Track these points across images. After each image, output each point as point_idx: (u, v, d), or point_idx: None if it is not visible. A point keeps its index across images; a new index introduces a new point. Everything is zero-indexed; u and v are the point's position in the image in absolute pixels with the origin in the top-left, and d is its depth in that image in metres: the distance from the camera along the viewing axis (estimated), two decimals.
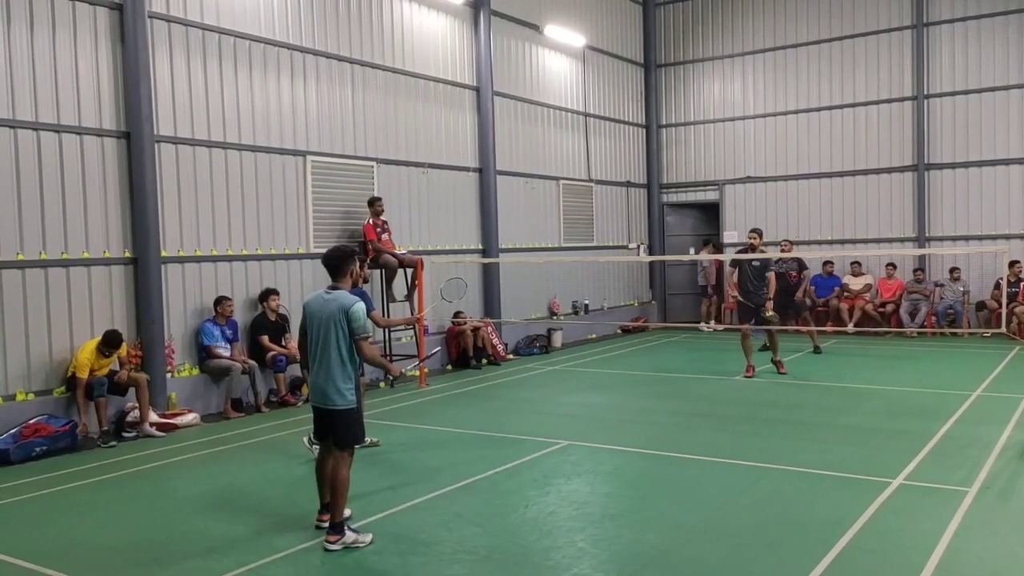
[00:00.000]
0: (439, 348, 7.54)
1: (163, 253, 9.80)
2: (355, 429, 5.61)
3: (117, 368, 9.05)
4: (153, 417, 9.10)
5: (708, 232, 19.20)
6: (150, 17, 9.68)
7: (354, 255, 5.78)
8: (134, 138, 9.52)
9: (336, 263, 5.63)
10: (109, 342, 8.79)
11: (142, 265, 9.58)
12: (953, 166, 16.66)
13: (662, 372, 12.81)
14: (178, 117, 10.07)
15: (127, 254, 9.59)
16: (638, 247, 18.97)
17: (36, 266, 8.81)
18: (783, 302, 12.84)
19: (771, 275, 11.63)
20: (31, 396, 8.69)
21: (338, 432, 5.56)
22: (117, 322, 9.41)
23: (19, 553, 5.48)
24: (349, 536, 5.39)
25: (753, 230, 11.91)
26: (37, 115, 8.83)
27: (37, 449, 8.05)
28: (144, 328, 9.61)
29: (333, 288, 5.57)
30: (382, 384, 11.93)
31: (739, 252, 12.21)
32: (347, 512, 5.54)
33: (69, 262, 9.08)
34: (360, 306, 5.43)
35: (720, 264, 17.63)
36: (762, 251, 11.97)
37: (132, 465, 7.80)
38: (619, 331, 17.67)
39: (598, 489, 6.70)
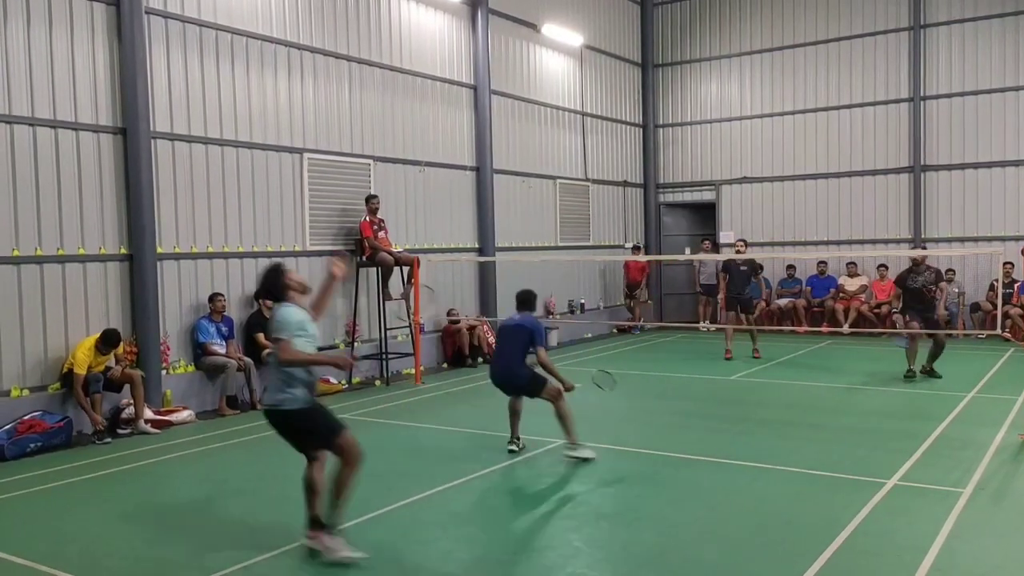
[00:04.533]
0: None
1: (159, 250, 9.78)
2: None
3: (112, 364, 9.03)
4: (148, 414, 9.08)
5: (704, 232, 19.20)
6: (147, 13, 9.65)
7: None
8: (130, 134, 9.49)
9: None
10: (108, 340, 8.76)
11: (138, 262, 9.55)
12: (949, 168, 16.69)
13: (657, 372, 12.82)
14: (175, 113, 10.04)
15: (123, 250, 9.57)
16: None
17: (31, 262, 8.78)
18: (925, 317, 11.11)
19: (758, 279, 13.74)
20: (26, 392, 8.66)
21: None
22: (112, 318, 9.39)
23: (13, 550, 5.46)
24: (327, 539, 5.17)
25: (740, 239, 13.62)
26: (33, 111, 8.80)
27: (32, 445, 8.03)
28: (139, 325, 9.59)
29: None
30: (377, 383, 11.93)
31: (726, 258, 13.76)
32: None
33: (65, 258, 9.06)
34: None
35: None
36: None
37: (127, 462, 7.79)
38: (615, 331, 17.68)
39: (593, 488, 6.70)
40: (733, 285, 13.46)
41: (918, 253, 12.16)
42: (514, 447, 7.70)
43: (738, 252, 13.79)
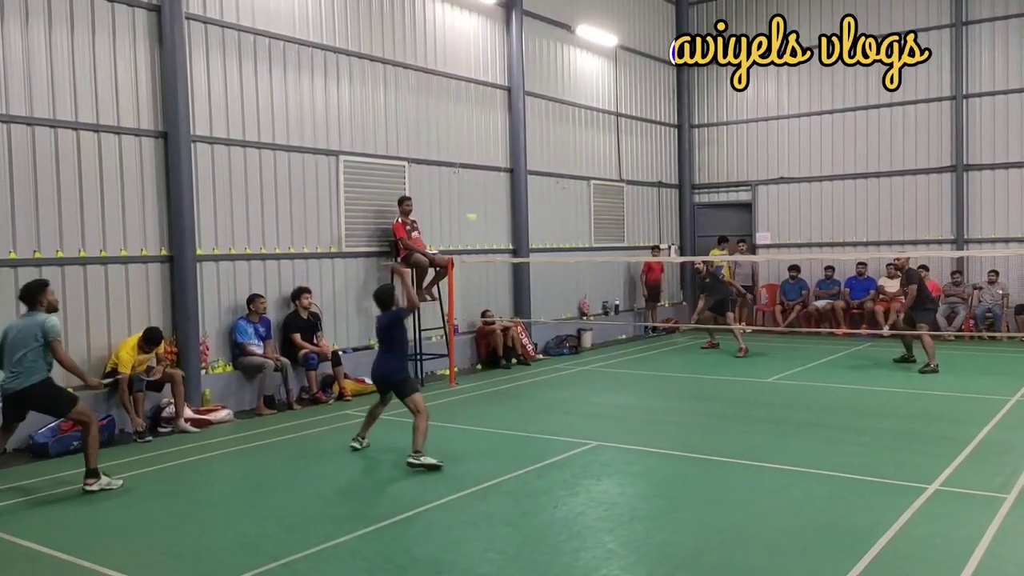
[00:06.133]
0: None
1: (198, 251, 9.94)
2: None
3: (154, 364, 9.19)
4: (188, 413, 9.23)
5: (741, 233, 18.97)
6: (187, 19, 9.81)
7: (45, 286, 6.97)
8: (171, 138, 9.66)
9: (29, 294, 6.93)
10: (150, 339, 8.93)
11: (178, 263, 9.71)
12: (993, 167, 16.35)
13: (692, 373, 12.73)
14: (214, 117, 10.20)
15: (164, 252, 9.74)
16: (669, 248, 18.86)
17: (75, 263, 8.97)
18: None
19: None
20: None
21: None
22: (153, 319, 9.55)
23: (56, 544, 5.58)
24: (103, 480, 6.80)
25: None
26: (77, 115, 9.00)
27: (75, 443, 8.18)
28: (179, 325, 9.75)
29: (31, 312, 6.86)
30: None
31: None
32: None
33: (107, 260, 9.24)
34: (52, 321, 6.82)
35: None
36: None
37: (167, 460, 7.92)
38: (650, 332, 17.58)
39: (628, 490, 6.68)
40: (718, 294, 14.74)
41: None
42: (357, 444, 8.00)
43: (696, 266, 15.32)
